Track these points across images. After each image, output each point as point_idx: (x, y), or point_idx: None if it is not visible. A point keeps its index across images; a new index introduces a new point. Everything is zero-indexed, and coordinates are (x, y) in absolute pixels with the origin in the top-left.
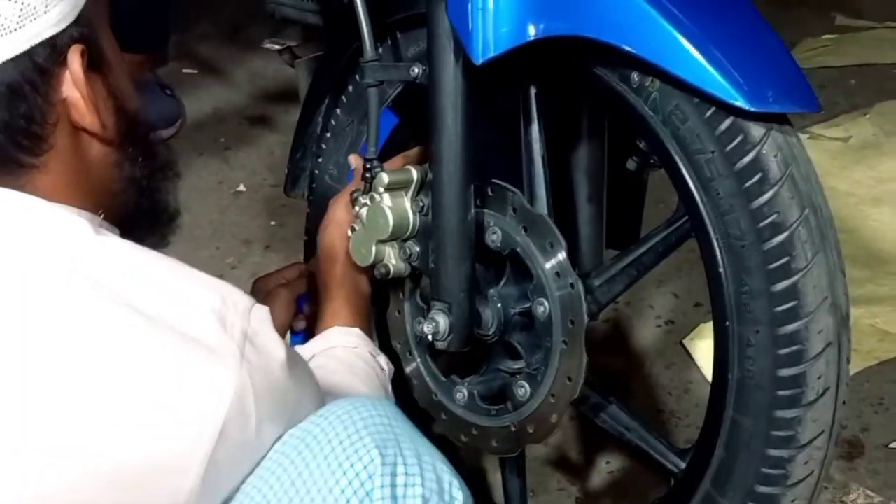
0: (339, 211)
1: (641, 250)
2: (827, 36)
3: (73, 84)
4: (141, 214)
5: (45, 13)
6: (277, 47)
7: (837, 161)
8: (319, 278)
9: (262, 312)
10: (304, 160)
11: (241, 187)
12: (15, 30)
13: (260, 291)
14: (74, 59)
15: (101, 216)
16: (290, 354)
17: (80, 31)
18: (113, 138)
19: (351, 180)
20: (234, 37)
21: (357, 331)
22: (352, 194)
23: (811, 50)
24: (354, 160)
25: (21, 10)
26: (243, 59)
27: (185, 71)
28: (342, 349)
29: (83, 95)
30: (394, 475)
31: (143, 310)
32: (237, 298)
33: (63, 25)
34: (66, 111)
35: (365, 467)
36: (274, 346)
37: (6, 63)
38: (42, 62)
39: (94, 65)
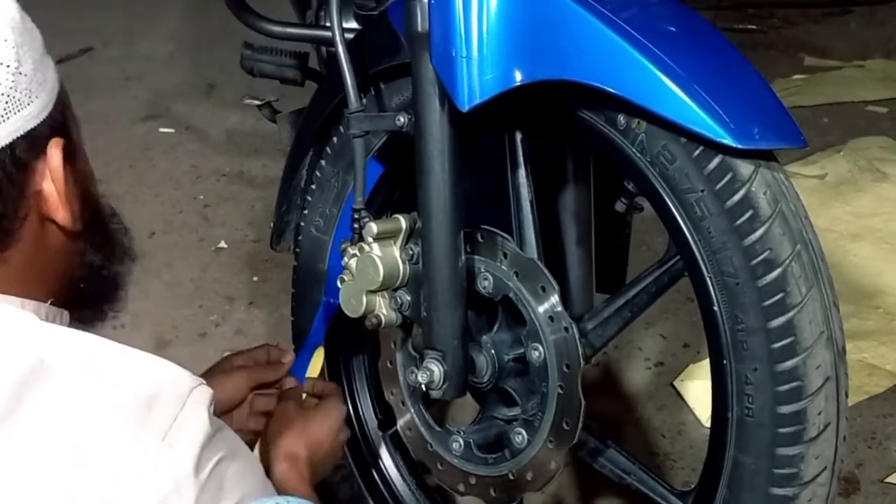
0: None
1: (633, 292)
2: (797, 76)
3: (50, 178)
4: (89, 294)
5: (29, 104)
6: (257, 103)
7: (815, 198)
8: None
9: (200, 394)
10: (290, 213)
11: (223, 244)
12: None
13: (221, 370)
14: (55, 153)
15: (50, 302)
16: (220, 434)
17: (55, 119)
18: (78, 227)
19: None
20: (209, 94)
21: None
22: (341, 244)
23: (783, 90)
24: (290, 382)
25: (6, 103)
26: (219, 116)
27: (161, 130)
28: None
29: (59, 190)
30: None
31: (79, 400)
32: (180, 380)
33: (43, 116)
34: (38, 204)
35: None
36: (202, 422)
37: None
38: (21, 155)
39: (67, 151)
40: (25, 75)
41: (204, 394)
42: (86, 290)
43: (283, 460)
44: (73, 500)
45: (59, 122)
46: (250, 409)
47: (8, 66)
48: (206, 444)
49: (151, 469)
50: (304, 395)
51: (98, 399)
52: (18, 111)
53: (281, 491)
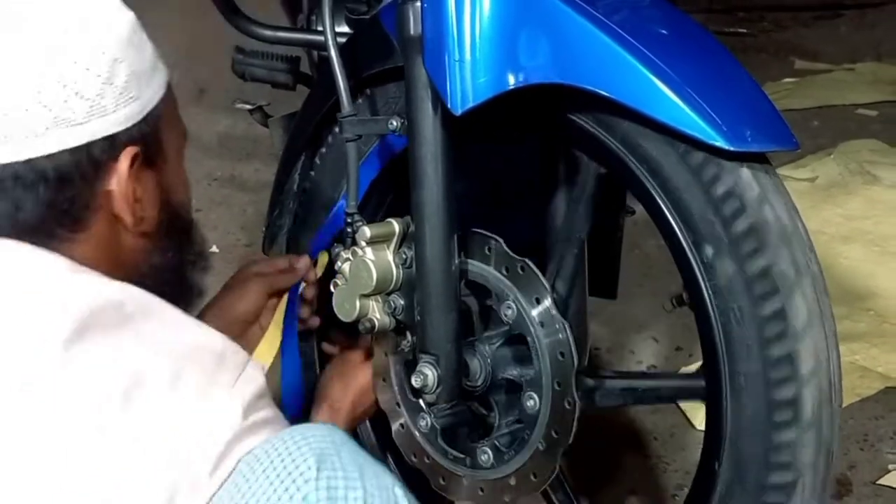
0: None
1: (648, 384)
2: (787, 80)
3: (117, 181)
4: (163, 294)
5: (114, 112)
6: (249, 107)
7: (806, 201)
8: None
9: (256, 365)
10: (282, 218)
11: (214, 248)
12: (80, 123)
13: (238, 276)
14: (125, 160)
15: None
16: (269, 396)
17: (142, 129)
18: (149, 231)
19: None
20: (200, 98)
21: None
22: (333, 249)
23: (773, 93)
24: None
25: (91, 107)
26: (210, 120)
27: None
28: None
29: (122, 194)
30: (331, 479)
31: (167, 351)
32: (238, 349)
33: (127, 125)
34: (110, 201)
35: (301, 474)
36: (259, 382)
37: (63, 151)
38: (98, 155)
39: (149, 161)
40: (115, 86)
41: (258, 365)
42: (163, 291)
43: (326, 409)
44: (155, 429)
45: (144, 133)
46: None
47: (99, 76)
48: (261, 396)
49: (225, 409)
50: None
51: (173, 341)
52: (102, 116)
53: None
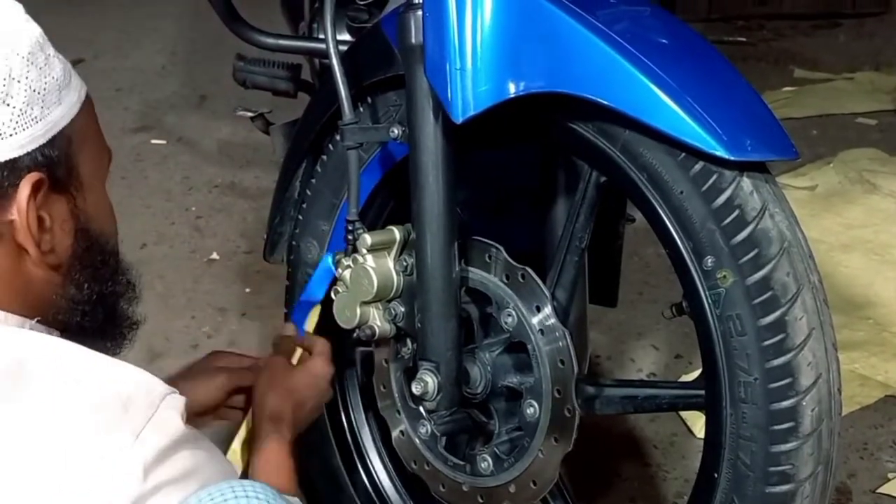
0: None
1: (648, 393)
2: (786, 88)
3: (17, 210)
4: (88, 329)
5: (12, 135)
6: (250, 114)
7: (806, 210)
8: (258, 428)
9: (174, 401)
10: (283, 225)
11: (215, 255)
12: None
13: (205, 364)
14: (24, 188)
15: (36, 320)
16: (191, 435)
17: (47, 153)
18: (60, 262)
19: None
20: (200, 105)
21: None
22: (335, 255)
23: (773, 102)
24: (290, 328)
25: None
26: (211, 127)
27: (153, 141)
28: None
29: (26, 225)
30: None
31: (55, 398)
32: (153, 387)
33: (29, 148)
34: (12, 231)
35: None
36: (173, 429)
37: None
38: None
39: (58, 186)
40: (13, 108)
41: (176, 400)
42: (85, 326)
43: (269, 421)
44: (49, 495)
45: (50, 157)
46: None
47: None
48: (176, 445)
49: (125, 464)
50: (296, 350)
51: (74, 399)
52: None
53: (260, 452)
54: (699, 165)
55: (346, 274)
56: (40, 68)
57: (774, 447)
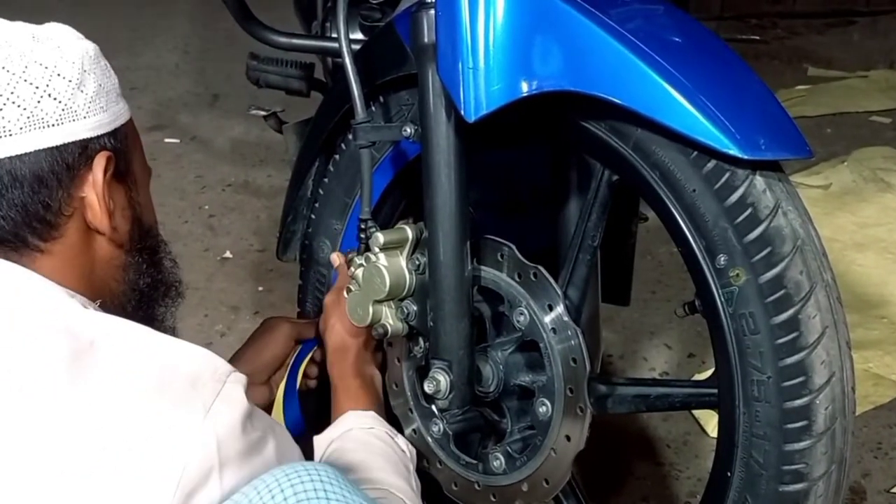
0: (337, 307)
1: (660, 392)
2: (800, 87)
3: (92, 186)
4: (138, 321)
5: (85, 118)
6: (263, 113)
7: (820, 208)
8: (332, 371)
9: (238, 377)
10: (296, 224)
11: (228, 254)
12: (52, 125)
13: (265, 325)
14: (99, 163)
15: (99, 303)
16: (255, 410)
17: (113, 142)
18: (123, 243)
19: (336, 277)
20: (213, 104)
21: (372, 413)
22: (347, 254)
23: (786, 101)
24: (336, 258)
25: (63, 109)
26: (224, 126)
27: (166, 140)
28: (359, 430)
29: (99, 198)
30: None
31: (126, 374)
32: (218, 365)
33: (98, 132)
34: (83, 209)
35: None
36: (239, 404)
37: (38, 153)
38: (71, 160)
39: (119, 175)
40: (85, 94)
41: (240, 377)
42: (131, 316)
43: (336, 351)
44: (128, 466)
45: (115, 147)
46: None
47: (70, 82)
48: (244, 419)
49: (198, 437)
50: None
51: (145, 376)
52: (74, 120)
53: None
54: (712, 164)
55: (359, 273)
56: (103, 70)
57: (788, 446)
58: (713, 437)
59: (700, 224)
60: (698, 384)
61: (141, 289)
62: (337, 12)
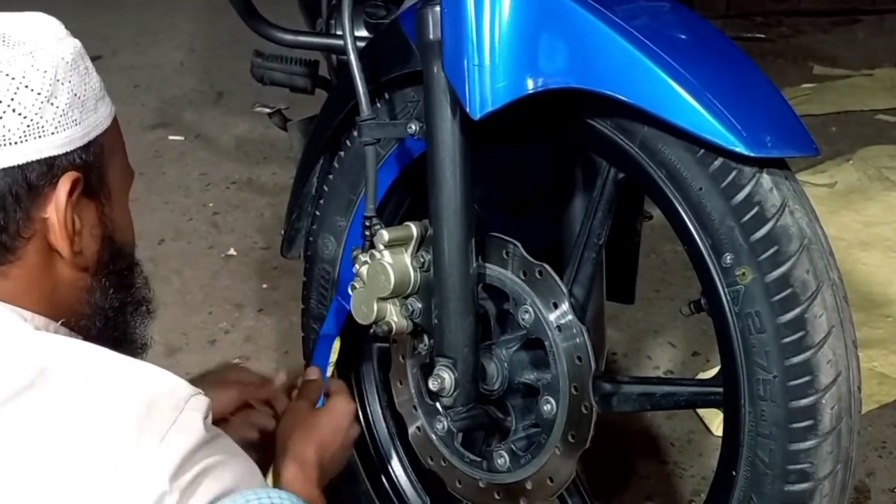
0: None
1: (665, 390)
2: (805, 85)
3: (55, 207)
4: (106, 341)
5: (53, 134)
6: (268, 110)
7: (825, 207)
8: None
9: (198, 402)
10: (300, 221)
11: (232, 251)
12: (14, 143)
13: (217, 379)
14: (63, 185)
15: (61, 323)
16: (215, 436)
17: (84, 157)
18: (87, 266)
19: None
20: (218, 102)
21: None
22: (352, 251)
23: (791, 99)
24: (313, 372)
25: (28, 126)
26: (228, 123)
27: (171, 138)
28: None
29: (61, 222)
30: None
31: (76, 403)
32: (178, 389)
33: (67, 149)
34: (45, 230)
35: None
36: (195, 432)
37: None
38: (34, 179)
39: (90, 191)
40: (56, 107)
41: (200, 402)
42: (99, 336)
43: (292, 464)
44: (72, 498)
45: (86, 162)
46: (245, 421)
47: (39, 94)
48: (200, 447)
49: (150, 467)
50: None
51: (98, 403)
52: (40, 137)
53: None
54: (718, 162)
55: (364, 270)
56: (81, 76)
57: (793, 445)
58: (717, 436)
59: (706, 223)
60: (703, 383)
61: (107, 312)
62: (342, 9)
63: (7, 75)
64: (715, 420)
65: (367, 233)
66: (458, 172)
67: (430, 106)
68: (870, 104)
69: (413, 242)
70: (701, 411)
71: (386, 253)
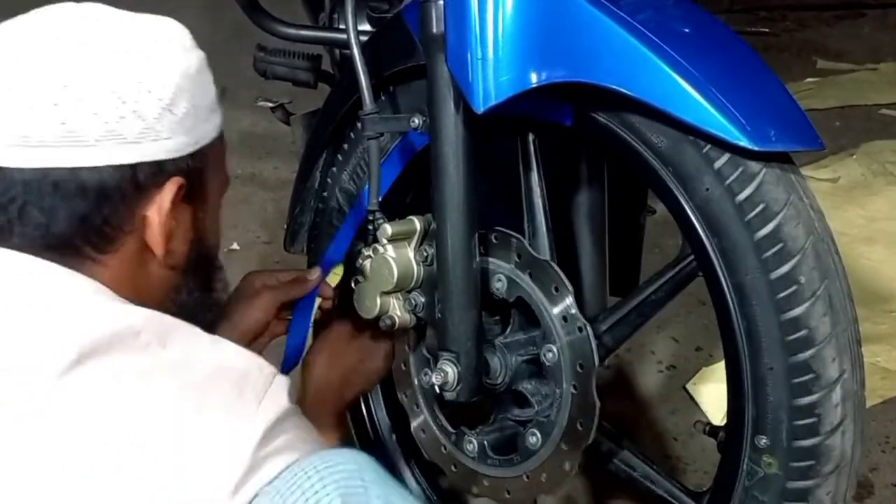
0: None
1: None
2: (809, 79)
3: (157, 208)
4: None
5: (167, 139)
6: (270, 105)
7: (828, 202)
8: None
9: (283, 378)
10: (303, 215)
11: (235, 246)
12: (132, 142)
13: (246, 288)
14: (169, 189)
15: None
16: (296, 410)
17: (190, 164)
18: (175, 265)
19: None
20: (221, 96)
21: None
22: (355, 247)
23: (795, 93)
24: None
25: (145, 128)
26: (231, 118)
27: None
28: None
29: (161, 224)
30: None
31: (183, 376)
32: (263, 365)
33: (177, 155)
34: (143, 227)
35: None
36: (284, 402)
37: (110, 167)
38: (142, 178)
39: (189, 197)
40: (175, 115)
41: (285, 379)
42: None
43: (314, 394)
44: (175, 459)
45: (191, 168)
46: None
47: (160, 100)
48: (286, 416)
49: (248, 430)
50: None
51: (199, 371)
52: (155, 140)
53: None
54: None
55: (367, 264)
56: (202, 87)
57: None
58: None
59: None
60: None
61: (188, 310)
62: (346, 4)
63: (135, 79)
64: (718, 414)
65: (370, 227)
66: (461, 166)
67: (434, 100)
68: (874, 99)
69: (416, 237)
70: (703, 406)
71: (389, 247)
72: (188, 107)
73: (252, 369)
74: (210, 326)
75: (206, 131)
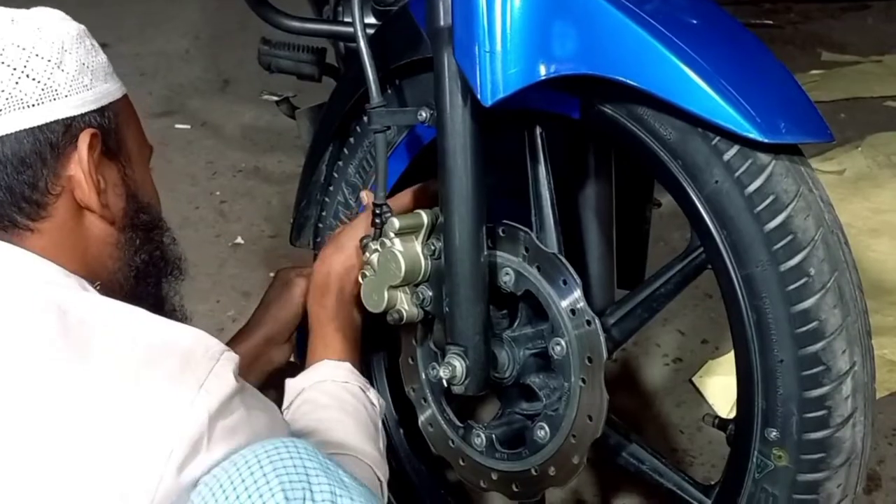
0: (342, 240)
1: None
2: (814, 71)
3: (78, 163)
4: (137, 301)
5: (66, 97)
6: (275, 98)
7: (834, 194)
8: (311, 309)
9: (230, 356)
10: (309, 209)
11: (239, 240)
12: (32, 105)
13: (280, 279)
14: (83, 140)
15: (97, 286)
16: (244, 389)
17: (99, 119)
18: (115, 220)
19: (363, 210)
20: (224, 90)
21: (347, 365)
22: (362, 240)
23: None
24: (367, 196)
25: (42, 89)
26: (235, 111)
27: (177, 126)
28: (332, 383)
29: (85, 174)
30: None
31: (118, 350)
32: (210, 344)
33: (82, 110)
34: (71, 187)
35: None
36: (230, 381)
37: (19, 133)
38: (55, 139)
39: (110, 153)
40: (66, 72)
41: (232, 356)
42: (131, 295)
43: (317, 339)
44: (116, 442)
45: (102, 125)
46: None
47: (49, 61)
48: (233, 397)
49: (190, 411)
50: None
51: (138, 352)
52: (54, 100)
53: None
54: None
55: (374, 258)
56: (87, 49)
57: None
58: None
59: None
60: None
61: (137, 266)
62: None
63: (18, 46)
64: (725, 406)
65: (378, 220)
66: (468, 159)
67: (441, 93)
68: (879, 91)
69: (424, 230)
70: (710, 399)
71: (396, 241)
72: (77, 65)
73: (196, 349)
74: (163, 287)
75: (106, 90)
